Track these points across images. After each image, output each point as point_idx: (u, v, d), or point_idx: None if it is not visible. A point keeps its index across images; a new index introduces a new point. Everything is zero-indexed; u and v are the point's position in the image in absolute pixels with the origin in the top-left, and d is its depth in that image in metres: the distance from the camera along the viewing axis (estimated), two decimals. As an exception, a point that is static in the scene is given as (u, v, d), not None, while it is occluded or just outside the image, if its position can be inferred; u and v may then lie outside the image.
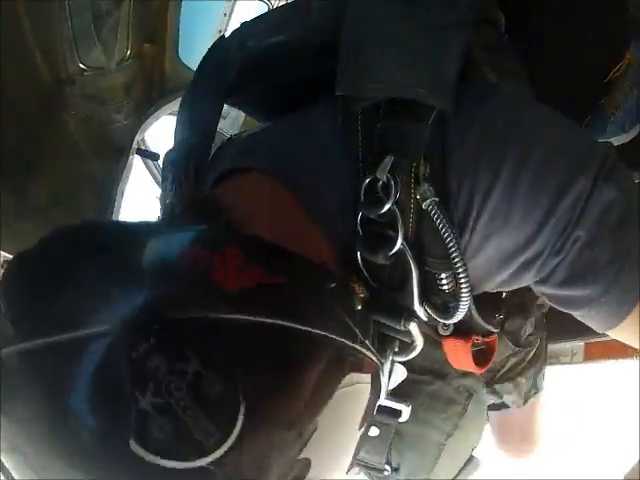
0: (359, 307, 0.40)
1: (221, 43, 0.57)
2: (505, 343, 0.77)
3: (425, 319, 0.45)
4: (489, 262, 0.42)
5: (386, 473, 0.59)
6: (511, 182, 0.38)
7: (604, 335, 0.44)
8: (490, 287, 0.46)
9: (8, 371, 0.28)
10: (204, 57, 0.58)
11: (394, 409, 0.54)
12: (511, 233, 0.39)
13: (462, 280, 0.41)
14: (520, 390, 0.92)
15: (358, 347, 0.35)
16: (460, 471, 0.63)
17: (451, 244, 0.39)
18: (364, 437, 0.42)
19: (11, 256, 1.05)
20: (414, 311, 0.44)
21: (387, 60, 0.42)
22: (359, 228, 0.43)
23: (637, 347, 0.43)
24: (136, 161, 1.40)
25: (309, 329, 0.32)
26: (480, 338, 0.52)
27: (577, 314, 0.43)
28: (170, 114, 1.40)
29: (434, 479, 0.60)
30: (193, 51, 1.35)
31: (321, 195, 0.44)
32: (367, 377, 0.39)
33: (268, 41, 0.51)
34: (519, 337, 0.79)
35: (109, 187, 1.31)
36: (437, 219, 0.39)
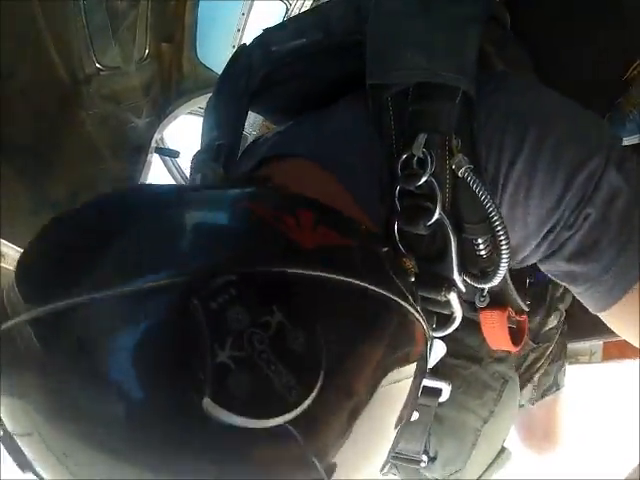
0: (412, 279, 0.41)
1: (243, 50, 0.59)
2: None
3: (463, 289, 0.46)
4: (516, 236, 0.43)
5: (422, 464, 0.57)
6: (531, 158, 0.40)
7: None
8: (516, 260, 0.46)
9: (45, 331, 0.26)
10: (227, 64, 0.59)
11: (433, 388, 0.53)
12: (534, 207, 0.41)
13: (501, 237, 0.42)
14: (538, 386, 0.92)
15: (417, 316, 0.35)
16: (493, 461, 0.62)
17: (489, 204, 0.41)
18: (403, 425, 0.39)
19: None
20: (454, 280, 0.45)
21: (412, 49, 0.44)
22: (397, 203, 0.45)
23: (623, 337, 0.43)
24: (154, 160, 1.40)
25: (382, 291, 0.32)
26: (514, 313, 0.53)
27: (576, 291, 0.44)
28: (188, 113, 1.41)
29: (469, 468, 0.59)
30: (211, 50, 1.36)
31: (360, 179, 0.45)
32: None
33: (291, 44, 0.53)
34: (537, 333, 0.79)
35: (126, 185, 1.32)
36: (473, 183, 0.41)
